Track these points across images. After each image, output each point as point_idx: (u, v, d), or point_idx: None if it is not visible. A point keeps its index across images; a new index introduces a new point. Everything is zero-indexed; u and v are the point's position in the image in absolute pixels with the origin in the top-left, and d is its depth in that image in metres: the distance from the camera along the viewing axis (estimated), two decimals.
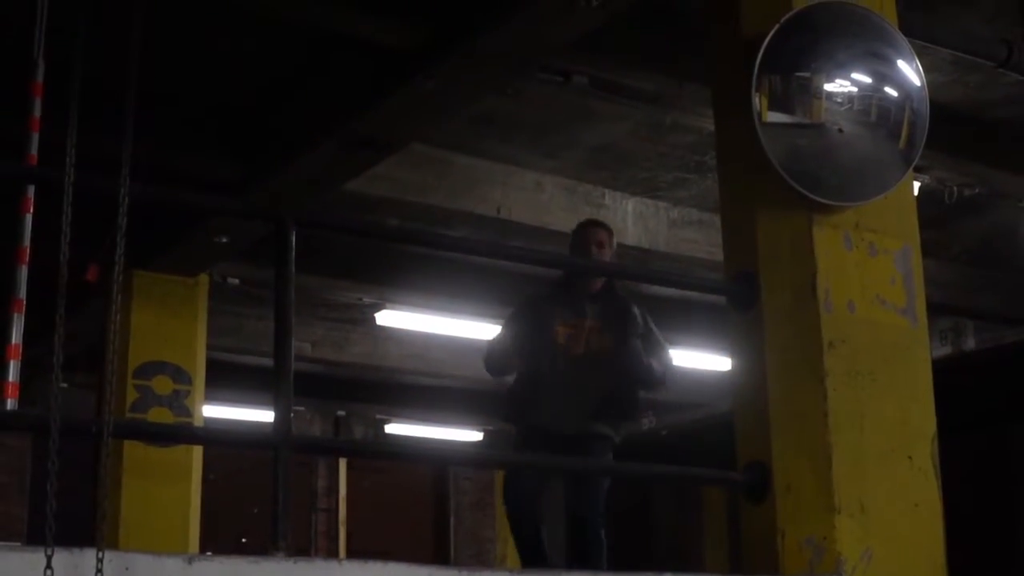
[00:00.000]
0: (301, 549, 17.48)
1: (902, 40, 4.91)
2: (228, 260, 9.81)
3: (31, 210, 4.57)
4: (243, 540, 16.59)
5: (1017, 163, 8.80)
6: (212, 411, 13.36)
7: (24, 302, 4.53)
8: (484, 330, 12.96)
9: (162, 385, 9.54)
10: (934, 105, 5.01)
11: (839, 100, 4.68)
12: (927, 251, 5.25)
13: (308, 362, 13.51)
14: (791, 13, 4.72)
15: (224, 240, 8.94)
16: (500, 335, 6.51)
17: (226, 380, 13.18)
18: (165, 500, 9.34)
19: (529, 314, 6.39)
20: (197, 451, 9.66)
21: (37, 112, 4.70)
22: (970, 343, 13.14)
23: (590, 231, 6.45)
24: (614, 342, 6.27)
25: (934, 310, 5.28)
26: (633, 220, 9.72)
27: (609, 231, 6.50)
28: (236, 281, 10.90)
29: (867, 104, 4.73)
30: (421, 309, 12.19)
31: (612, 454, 6.33)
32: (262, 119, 7.87)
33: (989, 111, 8.42)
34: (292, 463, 3.80)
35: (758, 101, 4.64)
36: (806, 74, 4.69)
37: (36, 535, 3.77)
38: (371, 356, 14.00)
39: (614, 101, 7.96)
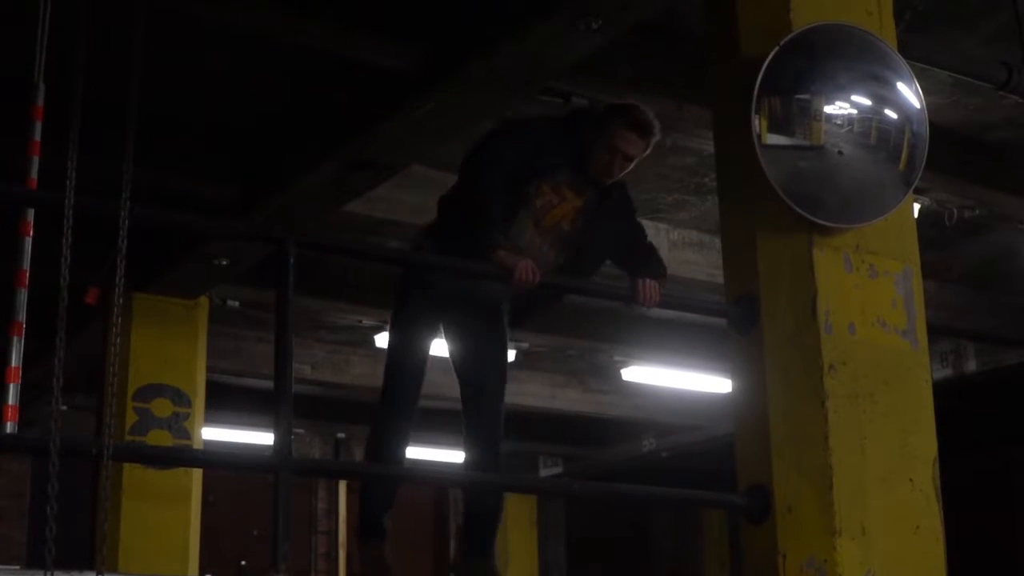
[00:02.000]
0: (301, 571, 17.47)
1: (902, 62, 4.91)
2: (228, 282, 9.81)
3: (31, 233, 4.57)
4: (243, 563, 16.57)
5: (1018, 185, 8.80)
6: (212, 433, 13.34)
7: (24, 325, 4.52)
8: None
9: (162, 408, 9.52)
10: (934, 127, 5.02)
11: (839, 122, 4.69)
12: (928, 273, 5.24)
13: (308, 384, 13.51)
14: (791, 35, 4.73)
15: (224, 262, 8.94)
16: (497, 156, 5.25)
17: (226, 402, 13.18)
18: (165, 523, 9.32)
19: (526, 153, 5.26)
20: (197, 474, 9.64)
21: (37, 136, 4.70)
22: (971, 365, 13.13)
23: (629, 138, 5.23)
24: (591, 234, 5.42)
25: (935, 332, 5.28)
26: None
27: (648, 143, 5.30)
28: (236, 303, 10.89)
29: (867, 126, 4.74)
30: None
31: None
32: (262, 141, 7.88)
33: (989, 133, 8.43)
34: (292, 485, 3.80)
35: (758, 123, 4.65)
36: (806, 96, 4.69)
37: (36, 558, 3.77)
38: (371, 378, 13.97)
39: None
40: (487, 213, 5.06)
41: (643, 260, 5.35)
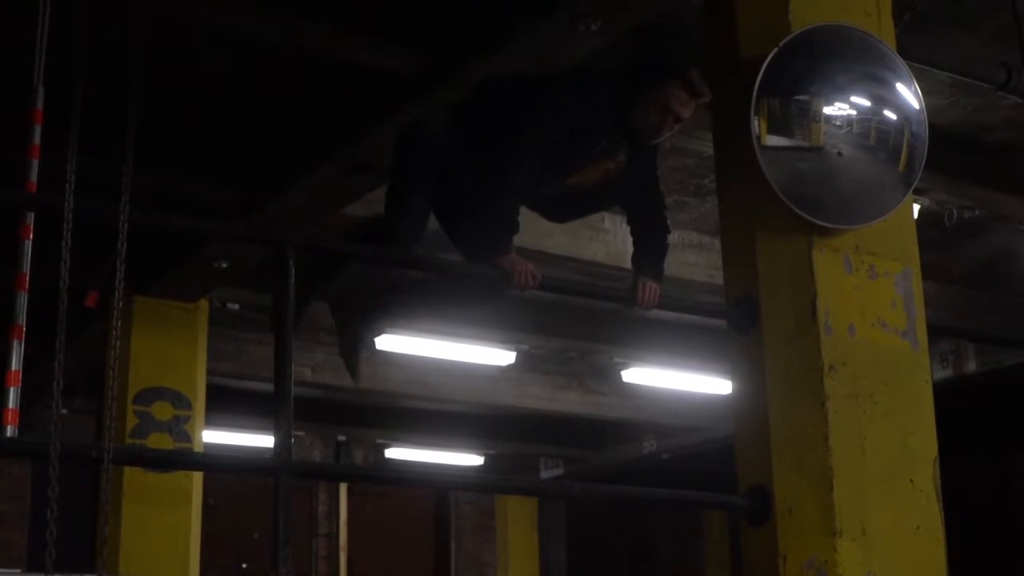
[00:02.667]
0: (302, 574, 17.46)
1: (901, 63, 4.91)
2: (228, 285, 9.81)
3: (31, 236, 4.57)
4: (244, 566, 16.57)
5: (1017, 186, 8.81)
6: (212, 436, 13.35)
7: (24, 328, 4.52)
8: (485, 354, 12.98)
9: (162, 411, 9.53)
10: (933, 128, 5.02)
11: (838, 123, 4.69)
12: (927, 274, 5.24)
13: (308, 387, 13.50)
14: (790, 36, 4.73)
15: (224, 265, 8.94)
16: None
17: (226, 405, 13.17)
18: (165, 526, 9.32)
19: (568, 139, 4.88)
20: (197, 477, 9.64)
21: (37, 139, 4.70)
22: (971, 366, 13.13)
23: (683, 99, 4.87)
24: (609, 187, 5.12)
25: (935, 333, 5.27)
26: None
27: (696, 105, 4.94)
28: (236, 306, 10.90)
29: (866, 127, 4.74)
30: (422, 333, 12.19)
31: None
32: (261, 144, 7.88)
33: (989, 134, 8.43)
34: (292, 488, 3.79)
35: (757, 124, 4.65)
36: (805, 97, 4.69)
37: (36, 562, 3.78)
38: (372, 381, 13.97)
39: None
40: (504, 220, 4.84)
41: (647, 237, 5.15)
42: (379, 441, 17.90)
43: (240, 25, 6.26)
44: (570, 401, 15.31)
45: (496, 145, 4.84)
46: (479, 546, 19.74)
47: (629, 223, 5.28)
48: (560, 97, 4.93)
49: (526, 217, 4.97)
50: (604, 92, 4.99)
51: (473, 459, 18.39)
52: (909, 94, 4.86)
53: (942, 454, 4.67)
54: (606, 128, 4.96)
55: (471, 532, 19.68)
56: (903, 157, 4.79)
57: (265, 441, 14.27)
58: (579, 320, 12.15)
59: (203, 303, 10.03)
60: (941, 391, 4.87)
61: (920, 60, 5.80)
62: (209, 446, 11.62)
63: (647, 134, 5.01)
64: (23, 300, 4.48)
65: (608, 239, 9.46)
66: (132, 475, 8.82)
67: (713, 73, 5.17)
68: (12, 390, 4.49)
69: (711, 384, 13.65)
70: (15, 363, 4.51)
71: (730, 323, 4.86)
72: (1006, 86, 6.38)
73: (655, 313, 5.69)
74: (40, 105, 4.74)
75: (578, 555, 20.00)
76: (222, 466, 6.05)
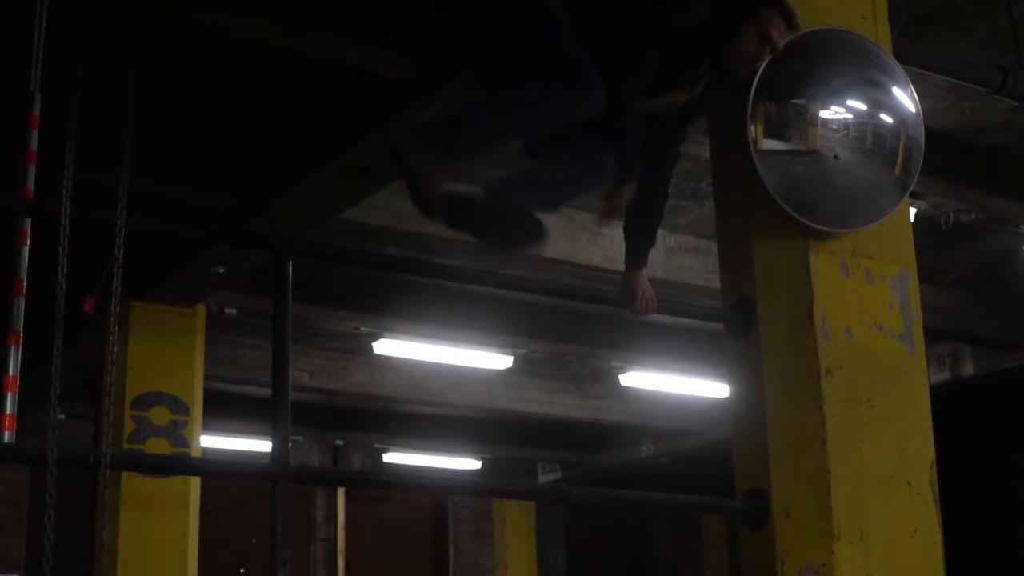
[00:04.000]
0: None
1: (897, 67, 4.91)
2: (225, 290, 9.81)
3: (28, 242, 4.56)
4: (242, 570, 16.57)
5: (1014, 188, 8.81)
6: (210, 441, 13.34)
7: (21, 334, 4.52)
8: (482, 359, 12.98)
9: (160, 416, 9.52)
10: (930, 131, 5.02)
11: (834, 127, 4.69)
12: (924, 277, 5.24)
13: (306, 391, 13.51)
14: (786, 40, 4.72)
15: (221, 270, 8.94)
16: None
17: (224, 410, 13.18)
18: (163, 531, 9.32)
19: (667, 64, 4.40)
20: (195, 482, 9.64)
21: (34, 145, 4.70)
22: (968, 369, 13.14)
23: (781, 27, 4.45)
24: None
25: (932, 336, 5.28)
26: None
27: (791, 30, 4.50)
28: (233, 311, 10.89)
29: (863, 131, 4.74)
30: (419, 338, 12.19)
31: None
32: (259, 148, 7.87)
33: (985, 137, 8.43)
34: (290, 493, 3.79)
35: (754, 128, 4.65)
36: (801, 101, 4.69)
37: (34, 567, 3.77)
38: (369, 385, 14.00)
39: None
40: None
41: (648, 195, 4.67)
42: (377, 445, 17.91)
43: (238, 30, 6.26)
44: (568, 405, 15.33)
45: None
46: (477, 550, 19.74)
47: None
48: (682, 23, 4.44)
49: None
50: (699, 15, 4.47)
51: (471, 463, 18.39)
52: (905, 97, 4.87)
53: (939, 457, 4.67)
54: (703, 58, 4.54)
55: (469, 536, 19.68)
56: (899, 160, 4.79)
57: (263, 446, 14.27)
58: (577, 324, 12.16)
59: (200, 308, 10.03)
60: (938, 394, 4.88)
61: (916, 64, 5.80)
62: (207, 451, 11.61)
63: (743, 62, 4.56)
64: (20, 305, 4.48)
65: (606, 244, 9.46)
66: (130, 480, 8.81)
67: None
68: (10, 395, 4.49)
69: (709, 388, 13.65)
70: (12, 368, 4.51)
71: (727, 327, 4.86)
72: (1002, 89, 6.38)
73: (653, 317, 5.68)
74: (37, 111, 4.73)
75: (576, 559, 20.00)
76: (220, 471, 6.06)
